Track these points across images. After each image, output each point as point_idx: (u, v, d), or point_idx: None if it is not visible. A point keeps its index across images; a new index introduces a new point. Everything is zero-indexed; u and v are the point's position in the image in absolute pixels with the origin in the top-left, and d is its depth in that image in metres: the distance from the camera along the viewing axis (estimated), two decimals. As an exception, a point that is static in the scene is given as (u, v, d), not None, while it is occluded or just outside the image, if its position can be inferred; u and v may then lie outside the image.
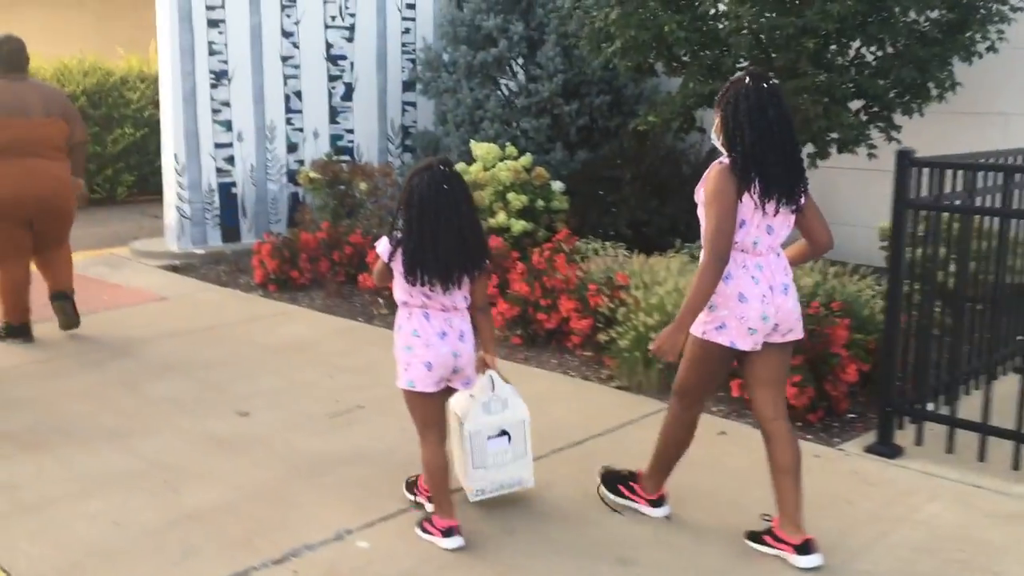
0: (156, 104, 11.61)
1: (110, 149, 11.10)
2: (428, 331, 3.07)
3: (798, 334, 3.03)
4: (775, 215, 2.91)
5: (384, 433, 4.07)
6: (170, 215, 7.99)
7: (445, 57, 8.02)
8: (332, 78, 8.63)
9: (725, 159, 2.91)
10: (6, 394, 4.58)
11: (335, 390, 4.66)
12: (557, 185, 7.13)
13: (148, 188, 11.67)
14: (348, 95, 8.74)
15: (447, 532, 3.08)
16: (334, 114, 8.69)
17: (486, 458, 3.27)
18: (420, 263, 2.98)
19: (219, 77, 7.96)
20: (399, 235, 3.03)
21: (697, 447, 3.26)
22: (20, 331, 5.54)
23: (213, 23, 7.85)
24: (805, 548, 2.96)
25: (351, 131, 8.83)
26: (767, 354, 2.99)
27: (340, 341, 5.56)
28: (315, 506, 3.40)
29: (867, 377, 4.26)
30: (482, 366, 3.24)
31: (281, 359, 5.17)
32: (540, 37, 7.58)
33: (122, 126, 11.21)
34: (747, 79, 2.89)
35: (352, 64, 8.72)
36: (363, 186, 7.54)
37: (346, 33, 8.63)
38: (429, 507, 3.25)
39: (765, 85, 2.88)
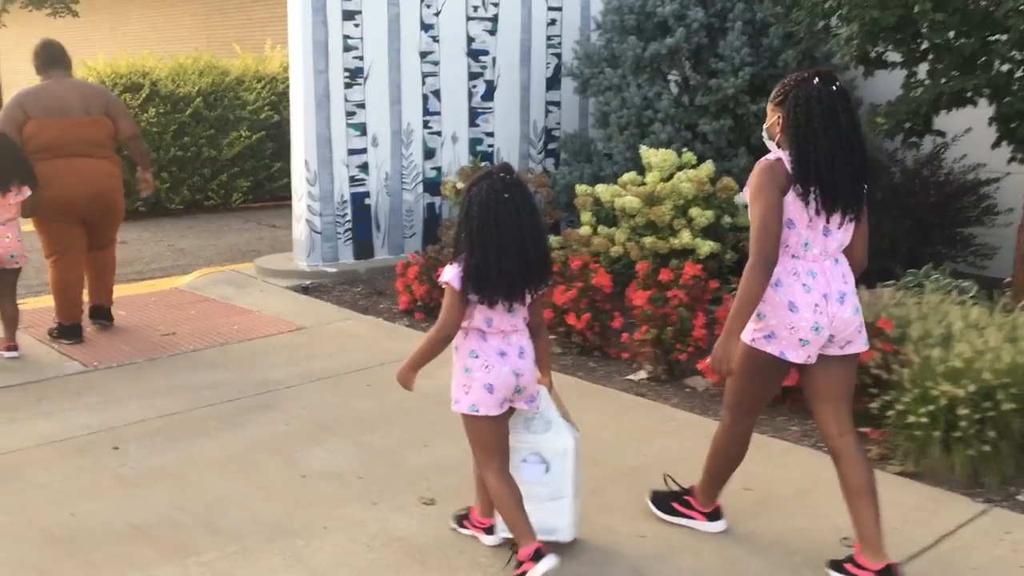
0: (273, 106, 11.02)
1: (225, 153, 10.47)
2: (487, 351, 2.87)
3: (859, 347, 2.87)
4: (828, 220, 2.76)
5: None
6: (299, 229, 7.21)
7: (601, 49, 7.02)
8: (472, 75, 7.74)
9: (772, 155, 2.79)
10: (139, 461, 3.78)
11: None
12: (740, 198, 6.08)
13: (263, 195, 11.04)
14: (489, 94, 7.84)
15: (536, 556, 2.77)
16: (474, 116, 7.80)
17: (520, 484, 2.91)
18: (484, 278, 2.76)
19: (354, 75, 7.14)
20: (462, 252, 2.81)
21: None
22: (71, 331, 5.46)
23: (349, 15, 7.02)
24: (887, 574, 2.78)
25: (491, 134, 7.93)
26: (826, 367, 2.85)
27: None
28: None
29: None
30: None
31: (455, 415, 4.25)
32: (722, 25, 6.53)
33: (238, 129, 10.58)
34: (815, 79, 2.75)
35: (494, 60, 7.82)
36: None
37: (488, 25, 7.72)
38: (485, 539, 3.11)
39: (835, 88, 2.74)
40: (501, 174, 2.82)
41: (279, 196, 11.14)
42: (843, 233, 2.81)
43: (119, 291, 6.85)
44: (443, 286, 2.84)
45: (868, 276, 5.20)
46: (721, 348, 2.78)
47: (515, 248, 2.76)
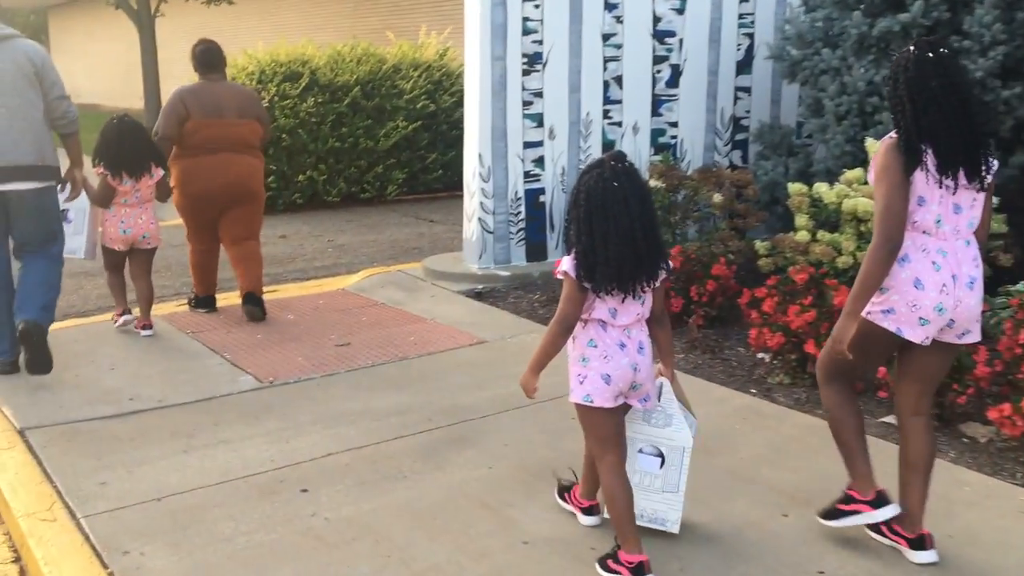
0: (429, 95, 10.58)
1: (382, 144, 10.10)
2: (606, 342, 2.82)
3: (975, 336, 2.82)
4: (955, 192, 2.70)
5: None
6: (471, 228, 6.68)
7: (815, 27, 6.17)
8: (657, 59, 7.02)
9: (893, 134, 2.75)
10: (332, 510, 3.29)
11: (793, 538, 3.04)
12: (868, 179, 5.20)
13: (417, 187, 10.65)
14: (674, 80, 7.11)
15: (637, 570, 2.75)
16: (657, 104, 7.09)
17: (633, 474, 2.94)
18: (594, 265, 2.73)
19: (532, 61, 6.54)
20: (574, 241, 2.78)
21: None
22: (206, 301, 5.94)
23: (529, -6, 6.44)
24: (920, 543, 2.88)
25: (674, 124, 7.20)
26: (933, 352, 2.80)
27: (749, 433, 3.93)
28: None
29: None
30: (656, 376, 3.01)
31: (708, 467, 3.60)
32: (967, -3, 5.59)
33: (394, 119, 10.19)
34: (912, 48, 2.74)
35: (681, 42, 7.07)
36: (717, 198, 5.88)
37: (676, 2, 6.98)
38: (583, 519, 3.14)
39: (931, 55, 2.70)
40: (612, 162, 2.77)
41: (433, 188, 10.73)
42: (973, 211, 2.76)
43: (285, 291, 6.53)
44: (560, 276, 2.82)
45: None
46: (839, 329, 2.78)
47: (622, 237, 2.71)
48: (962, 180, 2.69)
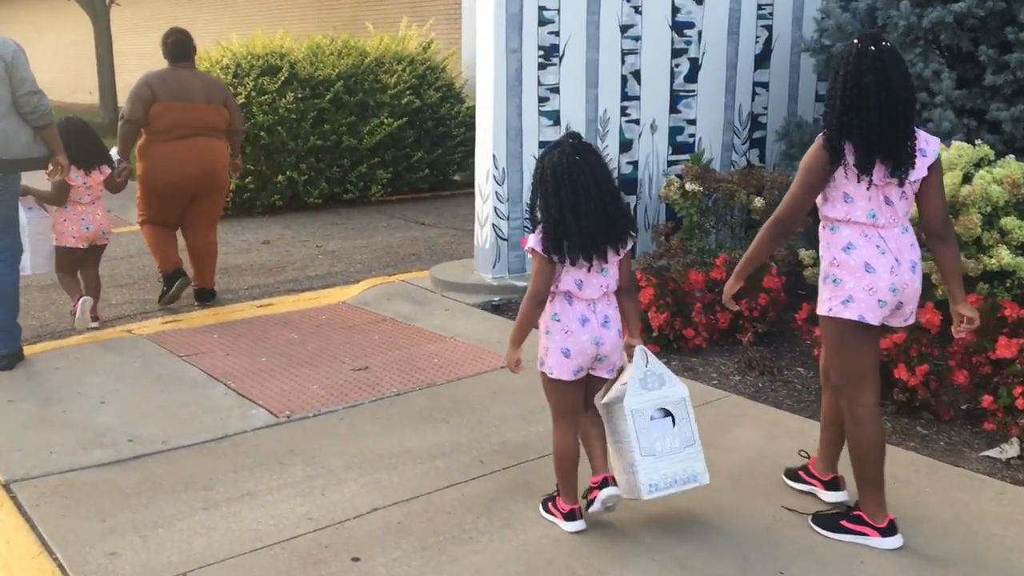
0: (414, 90, 10.03)
1: (366, 142, 9.52)
2: (569, 316, 2.95)
3: (913, 319, 2.94)
4: (886, 186, 2.78)
5: None
6: (484, 235, 6.18)
7: (854, 19, 5.79)
8: (676, 52, 6.59)
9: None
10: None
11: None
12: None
13: (401, 187, 10.10)
14: (692, 75, 6.68)
15: (569, 516, 3.04)
16: (675, 100, 6.66)
17: (653, 443, 3.00)
18: (563, 236, 2.86)
19: (548, 54, 6.06)
20: (539, 217, 2.95)
21: None
22: (174, 275, 5.84)
23: (546, -18, 5.95)
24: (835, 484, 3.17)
25: (692, 121, 6.77)
26: (880, 335, 2.95)
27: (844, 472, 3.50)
28: None
29: None
30: (628, 351, 3.07)
31: (767, 502, 3.17)
32: (1022, -14, 5.24)
33: (378, 115, 9.63)
34: (856, 42, 2.79)
35: (700, 34, 6.65)
36: (758, 202, 5.46)
37: (696, -7, 6.56)
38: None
39: (872, 47, 2.74)
40: (571, 140, 2.95)
41: (418, 188, 10.20)
42: (904, 201, 2.82)
43: (281, 305, 5.99)
44: (528, 253, 2.96)
45: None
46: (727, 287, 3.12)
47: (595, 205, 2.86)
48: (883, 177, 2.76)
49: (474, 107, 10.30)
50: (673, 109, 6.66)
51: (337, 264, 7.22)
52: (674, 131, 6.70)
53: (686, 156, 6.64)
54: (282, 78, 9.03)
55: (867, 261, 2.77)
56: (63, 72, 26.22)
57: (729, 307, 3.16)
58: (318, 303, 6.04)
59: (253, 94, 8.91)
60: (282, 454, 3.71)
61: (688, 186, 5.49)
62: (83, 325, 5.40)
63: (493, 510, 3.22)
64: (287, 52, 9.30)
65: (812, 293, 4.40)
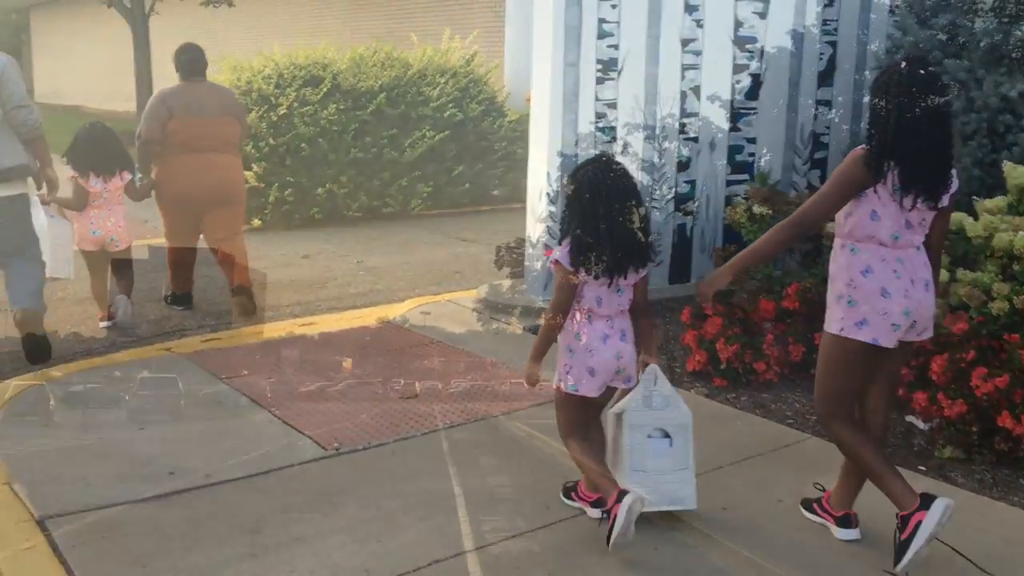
0: (456, 103, 9.82)
1: (407, 155, 9.32)
2: (591, 334, 3.02)
3: (930, 333, 2.95)
4: (911, 210, 2.79)
5: None
6: (536, 257, 5.92)
7: (933, 36, 5.48)
8: (737, 68, 6.31)
9: (864, 146, 2.83)
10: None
11: None
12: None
13: (441, 201, 9.88)
14: (753, 92, 6.39)
15: (620, 496, 2.91)
16: (735, 118, 6.38)
17: (646, 460, 3.09)
18: (591, 250, 2.92)
19: (607, 68, 5.80)
20: (569, 231, 2.99)
21: None
22: (182, 299, 6.08)
23: (607, -7, 5.70)
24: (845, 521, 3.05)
25: (752, 140, 6.47)
26: (896, 352, 2.91)
27: (953, 534, 3.18)
28: None
29: None
30: (642, 368, 3.13)
31: (875, 569, 2.87)
32: (1118, 2, 4.93)
33: (420, 128, 9.42)
34: (903, 64, 2.80)
35: (762, 50, 6.36)
36: (830, 227, 5.15)
37: (760, 6, 6.27)
38: (591, 512, 3.17)
39: (922, 72, 2.76)
40: (606, 159, 3.05)
41: (459, 203, 9.98)
42: (923, 226, 2.85)
43: (323, 323, 5.78)
44: (552, 266, 3.04)
45: None
46: (715, 276, 3.00)
47: (624, 223, 2.92)
48: (919, 202, 2.77)
49: (516, 121, 10.27)
50: (733, 127, 6.38)
51: (380, 281, 6.99)
52: (733, 150, 6.41)
53: (745, 176, 6.36)
54: (324, 89, 8.85)
55: (884, 287, 2.80)
56: (101, 79, 26.40)
57: (704, 303, 3.10)
58: (361, 322, 5.81)
59: (295, 104, 8.74)
60: (332, 492, 3.46)
61: (756, 208, 5.20)
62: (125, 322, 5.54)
63: (572, 566, 2.94)
64: (330, 63, 9.12)
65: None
